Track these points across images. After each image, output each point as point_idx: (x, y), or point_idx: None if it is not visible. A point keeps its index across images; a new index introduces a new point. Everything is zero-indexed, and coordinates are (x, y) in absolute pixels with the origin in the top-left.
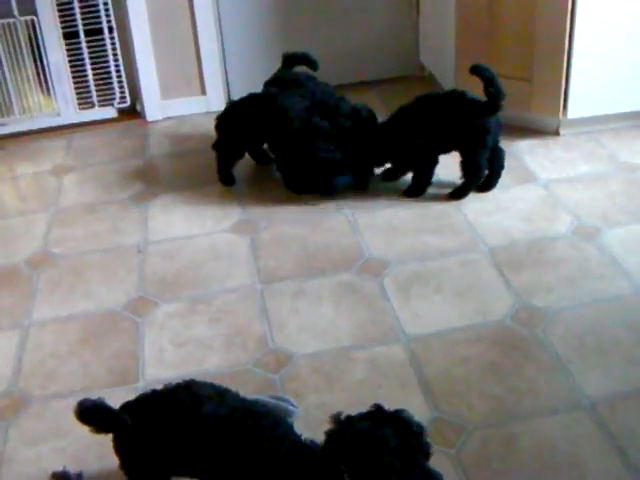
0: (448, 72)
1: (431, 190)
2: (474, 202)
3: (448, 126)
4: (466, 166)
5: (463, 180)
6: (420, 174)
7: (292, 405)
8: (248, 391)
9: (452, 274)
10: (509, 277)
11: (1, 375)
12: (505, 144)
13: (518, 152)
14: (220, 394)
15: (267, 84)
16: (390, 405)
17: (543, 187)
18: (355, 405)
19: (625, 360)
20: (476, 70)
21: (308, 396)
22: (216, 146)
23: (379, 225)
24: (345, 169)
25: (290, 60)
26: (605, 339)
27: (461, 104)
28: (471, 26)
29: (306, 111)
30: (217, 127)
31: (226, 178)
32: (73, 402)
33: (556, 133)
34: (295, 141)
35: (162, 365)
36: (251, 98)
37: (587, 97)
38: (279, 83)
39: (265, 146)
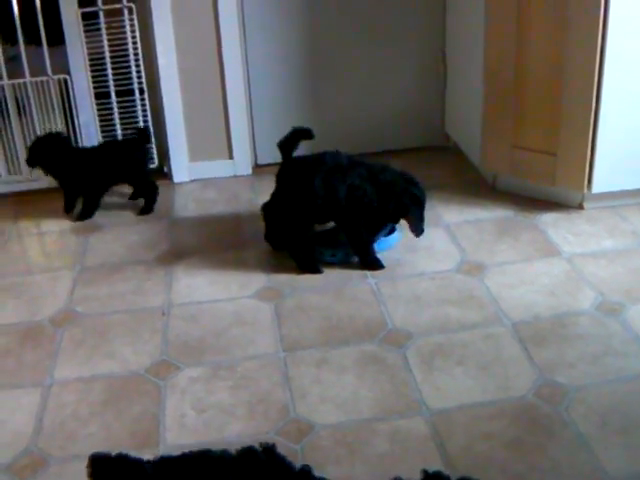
0: (473, 143)
1: (453, 262)
2: (497, 275)
3: (115, 164)
4: (138, 188)
5: (144, 200)
6: (90, 201)
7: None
8: None
9: (475, 347)
10: (532, 352)
11: (21, 433)
12: (529, 217)
13: (542, 225)
14: None
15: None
16: None
17: (567, 261)
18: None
19: None
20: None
21: (329, 467)
22: (267, 237)
23: (402, 295)
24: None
25: (287, 147)
26: (629, 418)
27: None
28: (498, 100)
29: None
30: (265, 218)
31: (312, 267)
32: None
33: (580, 207)
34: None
35: (183, 430)
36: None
37: (612, 172)
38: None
39: None
